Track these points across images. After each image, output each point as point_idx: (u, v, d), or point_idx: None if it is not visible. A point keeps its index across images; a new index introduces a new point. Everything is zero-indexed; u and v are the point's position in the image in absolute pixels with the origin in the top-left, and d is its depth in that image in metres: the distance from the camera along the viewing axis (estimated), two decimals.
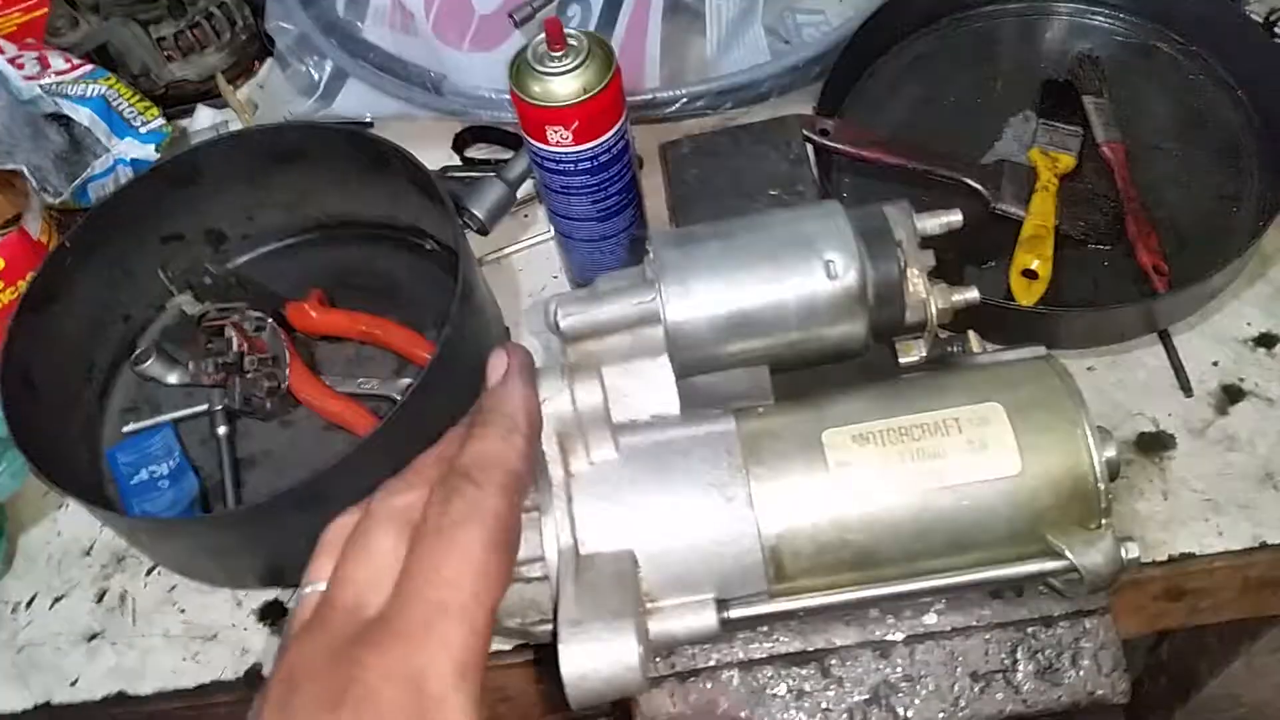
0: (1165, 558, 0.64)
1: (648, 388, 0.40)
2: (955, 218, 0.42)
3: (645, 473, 0.38)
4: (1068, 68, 0.80)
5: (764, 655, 0.39)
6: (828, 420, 0.38)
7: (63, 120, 0.81)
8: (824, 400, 0.39)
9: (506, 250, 0.83)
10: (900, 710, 0.39)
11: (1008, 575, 0.37)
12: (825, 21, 0.88)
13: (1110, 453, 0.37)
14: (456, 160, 0.90)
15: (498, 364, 0.40)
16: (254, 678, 0.67)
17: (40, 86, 0.79)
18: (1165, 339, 0.71)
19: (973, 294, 0.41)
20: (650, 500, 0.37)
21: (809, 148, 0.70)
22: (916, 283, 0.40)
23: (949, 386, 0.39)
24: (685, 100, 0.81)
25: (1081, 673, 0.39)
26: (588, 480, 0.37)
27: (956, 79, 0.83)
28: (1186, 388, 0.69)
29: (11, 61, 0.79)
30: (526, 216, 0.86)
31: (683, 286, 0.39)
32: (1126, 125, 0.78)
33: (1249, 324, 0.72)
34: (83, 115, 0.80)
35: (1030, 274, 0.69)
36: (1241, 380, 0.69)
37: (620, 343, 0.40)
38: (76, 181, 0.80)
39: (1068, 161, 0.75)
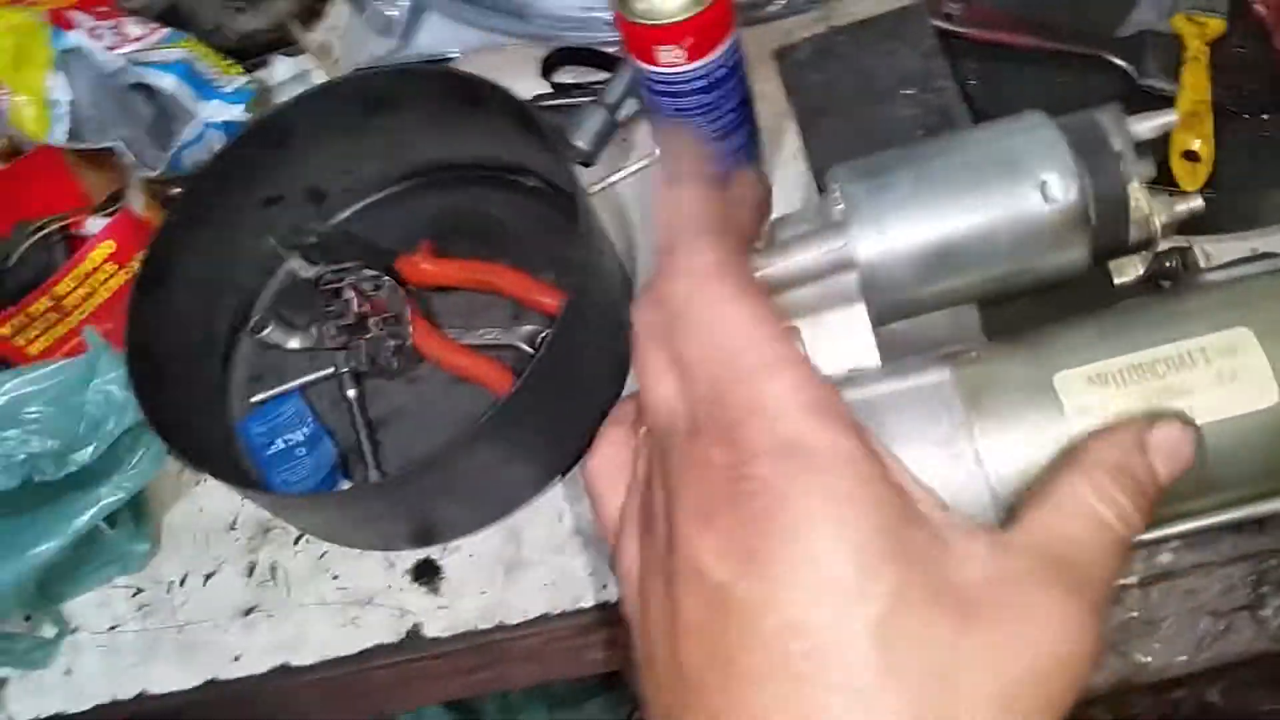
0: None
1: (842, 340, 0.37)
2: (1171, 117, 0.38)
3: None
4: None
5: None
6: (1056, 361, 0.34)
7: (147, 90, 0.78)
8: (1045, 338, 0.36)
9: (612, 179, 0.80)
10: (1139, 657, 0.37)
11: (1263, 512, 0.34)
12: None
13: None
14: (546, 88, 0.86)
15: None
16: (415, 638, 0.67)
17: (122, 57, 0.76)
18: None
19: (1197, 203, 0.37)
20: None
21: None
22: (1139, 197, 0.36)
23: (1185, 312, 0.35)
24: None
25: None
26: None
27: None
28: None
29: (90, 33, 0.76)
30: (625, 141, 0.82)
31: (877, 225, 0.36)
32: None
33: None
34: (167, 82, 0.78)
35: (1192, 155, 0.64)
36: None
37: (809, 294, 0.37)
38: (170, 151, 0.78)
39: (1217, 25, 0.69)
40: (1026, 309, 0.38)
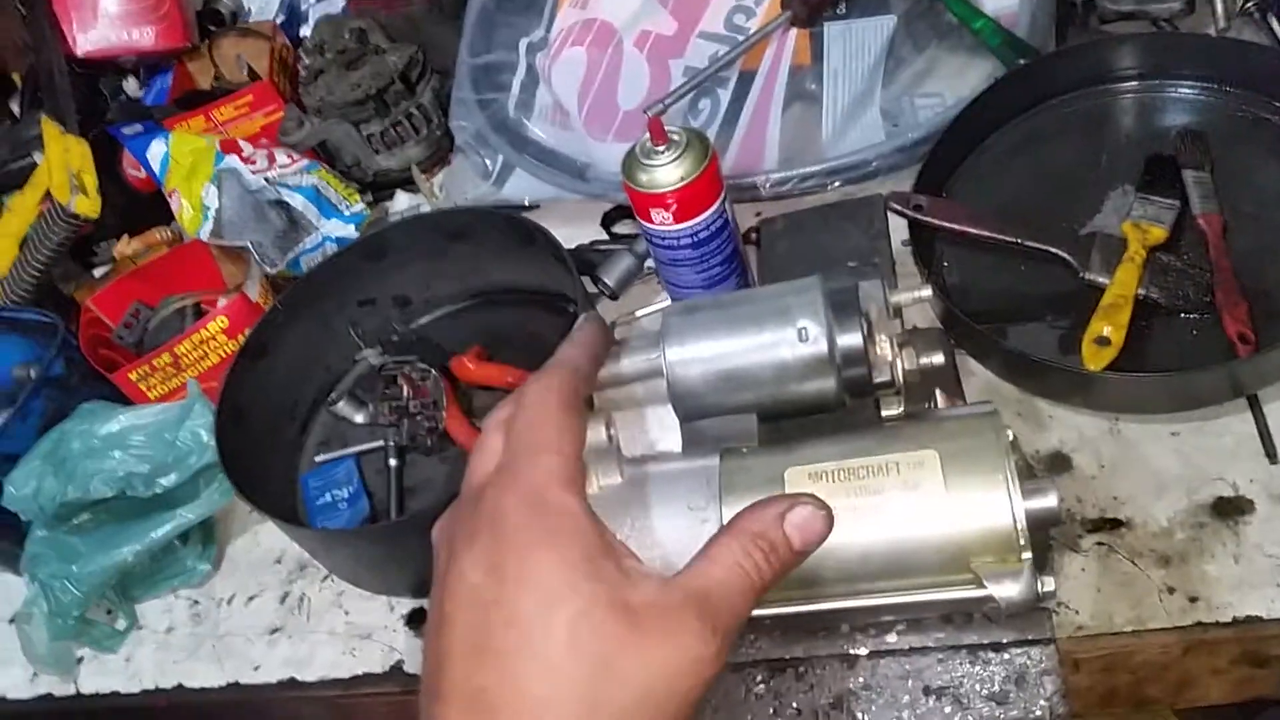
0: (1230, 619, 0.65)
1: (656, 428, 0.49)
2: (926, 292, 0.48)
3: (643, 495, 0.46)
4: (1171, 143, 0.83)
5: (750, 659, 0.46)
6: (792, 460, 0.45)
7: (281, 204, 0.98)
8: (796, 444, 0.46)
9: (637, 313, 0.94)
10: (859, 715, 0.45)
11: (935, 600, 0.42)
12: (941, 104, 0.94)
13: (1046, 502, 0.42)
14: (604, 235, 1.01)
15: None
16: (397, 671, 0.79)
17: (266, 179, 0.97)
18: (1254, 405, 0.72)
19: (939, 358, 0.47)
20: (642, 520, 0.45)
21: (891, 222, 0.77)
22: (884, 347, 0.47)
23: (899, 435, 0.45)
24: (798, 179, 0.89)
25: (1025, 694, 0.44)
26: (594, 501, 0.46)
27: (1062, 156, 0.87)
28: (1272, 454, 0.70)
29: (246, 160, 0.98)
30: (660, 284, 0.96)
31: (681, 348, 0.48)
32: (1230, 198, 0.79)
33: None
34: (297, 201, 0.98)
35: (1103, 340, 0.72)
36: None
37: (636, 391, 0.49)
38: (290, 254, 0.97)
39: (1158, 233, 0.77)
40: (807, 426, 0.49)
